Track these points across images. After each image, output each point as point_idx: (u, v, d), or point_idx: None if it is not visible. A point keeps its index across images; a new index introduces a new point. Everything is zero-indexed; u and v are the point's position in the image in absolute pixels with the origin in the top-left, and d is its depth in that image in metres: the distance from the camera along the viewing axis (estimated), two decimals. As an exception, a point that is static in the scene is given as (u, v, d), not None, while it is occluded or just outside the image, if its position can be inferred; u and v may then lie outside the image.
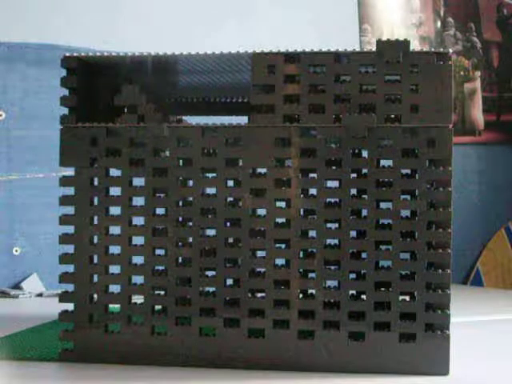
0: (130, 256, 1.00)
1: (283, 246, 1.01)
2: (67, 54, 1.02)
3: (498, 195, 2.40)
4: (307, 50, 0.98)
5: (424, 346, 0.95)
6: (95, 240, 1.00)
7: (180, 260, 1.03)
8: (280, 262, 1.02)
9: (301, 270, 0.99)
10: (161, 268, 1.02)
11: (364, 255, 0.97)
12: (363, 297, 0.97)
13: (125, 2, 2.09)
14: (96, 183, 1.01)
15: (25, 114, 1.91)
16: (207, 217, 0.99)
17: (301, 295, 1.01)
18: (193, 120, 1.17)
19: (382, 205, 1.02)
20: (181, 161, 1.03)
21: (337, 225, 0.98)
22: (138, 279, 1.00)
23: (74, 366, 0.98)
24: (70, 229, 1.00)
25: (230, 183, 1.02)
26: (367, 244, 0.96)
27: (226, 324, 0.98)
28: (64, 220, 1.00)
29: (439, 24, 2.44)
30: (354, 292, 0.99)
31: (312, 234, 0.98)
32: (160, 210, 1.02)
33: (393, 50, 0.96)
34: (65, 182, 1.01)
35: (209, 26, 2.13)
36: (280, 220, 0.99)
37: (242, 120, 1.13)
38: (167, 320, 0.99)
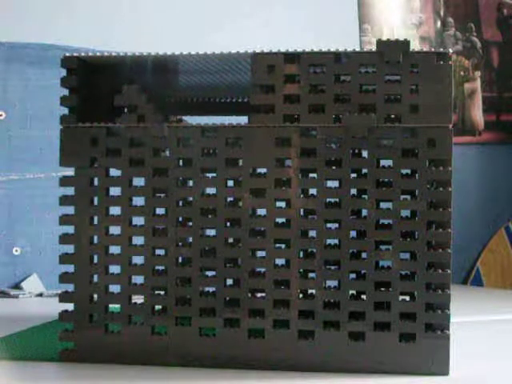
0: (130, 256, 1.00)
1: (283, 246, 1.01)
2: (67, 54, 1.02)
3: (498, 195, 2.39)
4: (307, 50, 0.98)
5: (424, 346, 0.95)
6: (95, 240, 1.00)
7: (180, 260, 1.03)
8: (280, 261, 1.02)
9: (301, 270, 0.99)
10: (161, 268, 1.02)
11: (364, 255, 0.97)
12: (363, 297, 0.97)
13: (125, 2, 2.09)
14: (96, 183, 1.01)
15: (25, 114, 1.91)
16: (207, 217, 0.99)
17: (301, 295, 1.01)
18: (193, 120, 1.17)
19: (382, 205, 1.01)
20: (181, 161, 1.03)
21: (337, 225, 0.98)
22: (138, 279, 1.00)
23: (74, 366, 0.98)
24: (70, 229, 1.00)
25: (230, 183, 1.02)
26: (367, 244, 0.96)
27: (226, 324, 0.98)
28: (64, 220, 1.00)
29: (439, 24, 2.45)
30: (354, 292, 0.99)
31: (312, 233, 0.98)
32: (160, 210, 1.01)
33: (393, 50, 0.96)
34: (65, 182, 1.01)
35: (209, 25, 2.13)
36: (280, 220, 0.99)
37: (242, 120, 1.13)
38: (167, 320, 0.99)
